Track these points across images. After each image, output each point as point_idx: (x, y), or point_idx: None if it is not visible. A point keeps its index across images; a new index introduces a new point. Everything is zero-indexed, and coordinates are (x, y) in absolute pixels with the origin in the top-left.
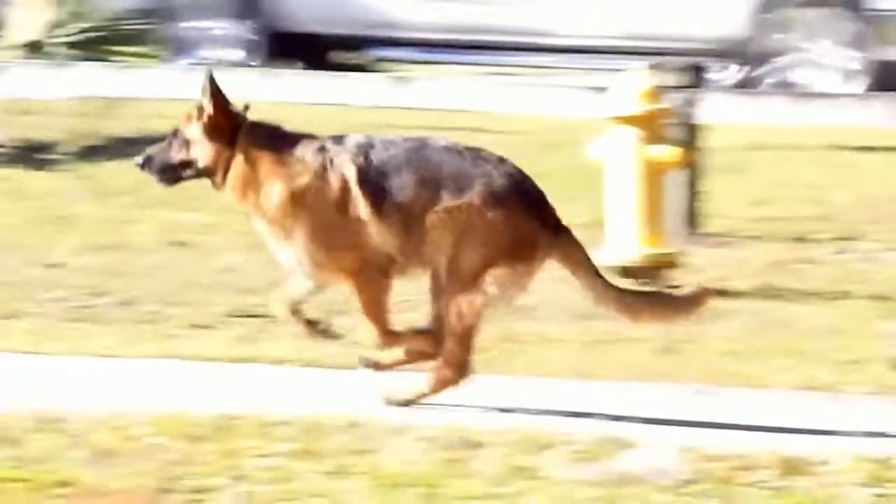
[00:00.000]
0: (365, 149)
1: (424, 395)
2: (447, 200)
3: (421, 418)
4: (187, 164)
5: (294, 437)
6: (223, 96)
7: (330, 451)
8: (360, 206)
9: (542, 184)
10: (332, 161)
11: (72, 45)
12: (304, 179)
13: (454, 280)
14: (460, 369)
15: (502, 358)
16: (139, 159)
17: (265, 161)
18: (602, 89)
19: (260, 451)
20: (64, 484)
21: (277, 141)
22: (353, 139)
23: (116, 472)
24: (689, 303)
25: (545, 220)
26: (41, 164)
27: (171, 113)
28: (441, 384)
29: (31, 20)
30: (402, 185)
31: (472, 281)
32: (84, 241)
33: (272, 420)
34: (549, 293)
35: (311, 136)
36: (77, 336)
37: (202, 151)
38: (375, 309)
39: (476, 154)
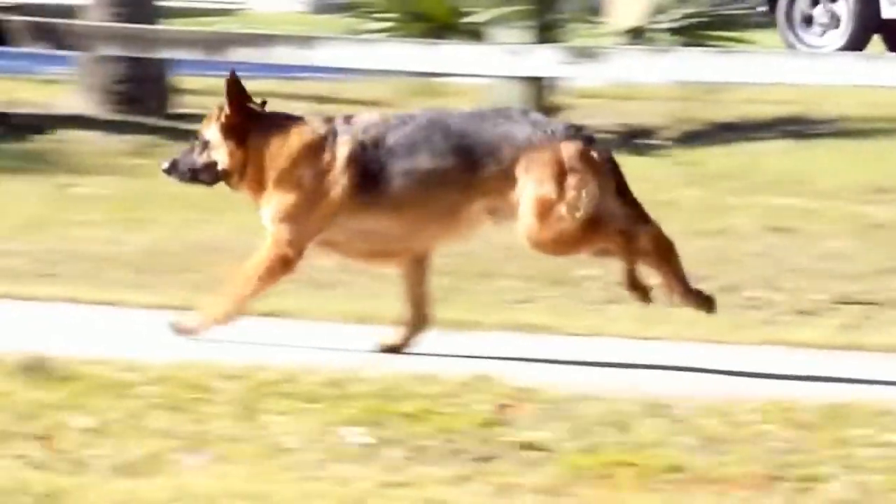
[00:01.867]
0: (378, 128)
1: None
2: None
3: None
4: (209, 166)
5: None
6: (243, 96)
7: None
8: (341, 189)
9: None
10: (333, 139)
11: (674, 30)
12: (297, 151)
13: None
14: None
15: None
16: (164, 164)
17: (269, 145)
18: None
19: (871, 440)
20: (674, 469)
21: (281, 125)
22: (364, 119)
23: (725, 458)
24: (692, 297)
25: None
26: (642, 149)
27: (772, 99)
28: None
29: (633, 6)
30: (412, 164)
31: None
32: (686, 225)
33: (882, 408)
34: None
35: (324, 118)
36: (683, 322)
37: (221, 153)
38: (251, 286)
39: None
